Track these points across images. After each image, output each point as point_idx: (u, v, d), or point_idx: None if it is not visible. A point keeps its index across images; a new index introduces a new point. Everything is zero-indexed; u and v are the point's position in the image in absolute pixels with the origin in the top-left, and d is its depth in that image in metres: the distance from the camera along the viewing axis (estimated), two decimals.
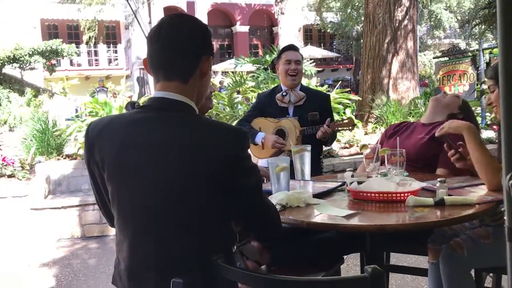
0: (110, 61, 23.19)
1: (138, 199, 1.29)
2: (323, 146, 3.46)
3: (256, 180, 1.37)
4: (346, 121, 3.10)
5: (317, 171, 3.07)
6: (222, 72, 19.36)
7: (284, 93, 3.32)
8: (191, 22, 1.39)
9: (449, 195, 1.78)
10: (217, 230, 1.33)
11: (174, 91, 1.33)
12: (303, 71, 3.51)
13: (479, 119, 8.28)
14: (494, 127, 7.56)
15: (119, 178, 1.30)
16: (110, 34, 22.62)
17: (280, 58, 3.35)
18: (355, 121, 7.70)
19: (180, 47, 1.34)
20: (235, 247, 1.51)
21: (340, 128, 3.12)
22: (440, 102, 2.63)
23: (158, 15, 20.56)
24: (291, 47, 3.42)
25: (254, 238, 1.51)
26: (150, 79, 19.53)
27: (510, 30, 1.15)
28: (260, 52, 22.56)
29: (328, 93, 3.85)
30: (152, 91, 17.37)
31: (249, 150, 1.38)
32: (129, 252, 1.33)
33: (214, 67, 19.62)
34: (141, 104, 1.46)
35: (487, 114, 8.35)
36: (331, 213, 1.72)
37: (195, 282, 1.25)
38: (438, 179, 1.83)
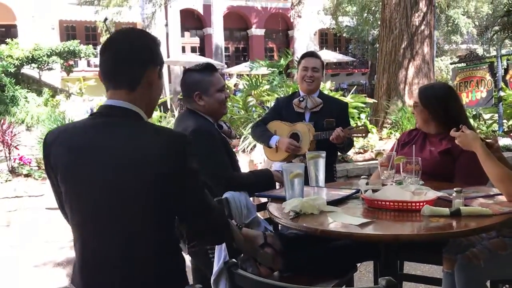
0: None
1: (86, 200, 1.38)
2: (338, 153, 3.44)
3: (197, 182, 1.44)
4: (361, 128, 3.10)
5: (329, 178, 3.06)
6: (237, 75, 19.41)
7: (301, 99, 3.34)
8: (139, 35, 1.51)
9: (465, 205, 1.76)
10: (162, 231, 1.40)
11: (121, 98, 1.43)
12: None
13: (495, 125, 8.18)
14: None
15: (70, 180, 1.41)
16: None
17: (300, 64, 3.40)
18: (370, 126, 7.69)
19: (125, 58, 1.43)
20: (186, 249, 1.56)
21: (354, 135, 3.11)
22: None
23: (174, 18, 20.73)
24: (310, 54, 3.45)
25: (199, 239, 1.58)
26: (166, 81, 19.67)
27: None
28: (275, 56, 22.57)
29: (346, 102, 3.83)
30: (167, 93, 17.49)
31: (194, 154, 1.43)
32: (81, 252, 1.42)
33: (229, 70, 19.69)
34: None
35: (504, 121, 8.24)
36: (345, 221, 1.71)
37: None
38: (455, 189, 1.80)
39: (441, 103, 2.48)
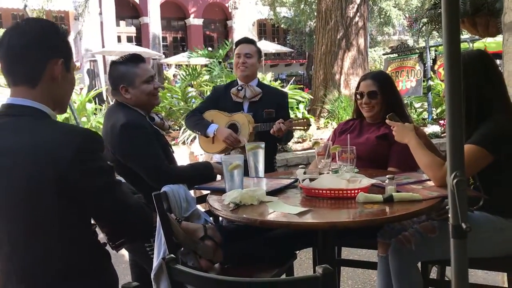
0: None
1: None
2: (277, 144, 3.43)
3: (105, 181, 1.36)
4: (302, 120, 3.04)
5: (270, 169, 3.05)
6: (176, 65, 19.09)
7: (240, 88, 3.22)
8: (35, 26, 1.39)
9: (397, 191, 1.84)
10: (73, 233, 1.34)
11: (22, 96, 1.34)
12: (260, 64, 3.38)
13: (425, 113, 8.59)
14: (441, 122, 7.86)
15: None
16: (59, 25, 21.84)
17: (235, 51, 3.31)
18: (308, 116, 7.84)
19: (20, 53, 1.34)
20: (112, 247, 1.52)
21: (295, 127, 3.05)
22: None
23: (109, 6, 20.03)
24: (243, 40, 3.35)
25: (124, 238, 1.53)
26: (101, 71, 19.02)
27: (454, 30, 1.20)
28: (215, 46, 22.41)
29: (286, 91, 3.79)
30: (103, 84, 16.93)
31: (96, 152, 1.36)
32: None
33: (168, 60, 19.33)
34: None
35: (433, 109, 8.68)
36: (284, 210, 1.73)
37: None
38: (387, 176, 1.88)
39: (394, 89, 2.56)
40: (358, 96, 2.62)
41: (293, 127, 3.04)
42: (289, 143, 6.76)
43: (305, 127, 3.07)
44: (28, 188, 1.26)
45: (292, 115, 5.62)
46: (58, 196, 1.27)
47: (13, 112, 1.33)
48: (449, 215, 1.15)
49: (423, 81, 8.32)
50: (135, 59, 2.34)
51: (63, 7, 19.19)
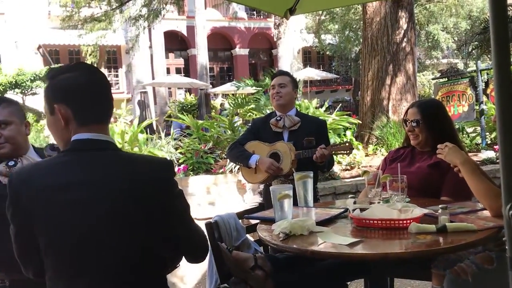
0: (111, 85, 23.31)
1: (77, 237, 1.33)
2: (319, 172, 3.35)
3: (186, 204, 1.49)
4: (345, 145, 3.03)
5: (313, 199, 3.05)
6: (223, 95, 19.47)
7: (278, 118, 3.27)
8: (99, 71, 1.57)
9: (451, 221, 1.80)
10: (153, 260, 1.42)
11: (99, 132, 1.44)
12: (297, 93, 3.42)
13: (478, 138, 8.31)
14: (495, 147, 7.58)
15: (57, 219, 1.33)
16: (111, 59, 22.83)
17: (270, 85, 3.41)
18: (356, 143, 7.76)
19: (104, 92, 1.50)
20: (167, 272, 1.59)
21: (338, 152, 3.05)
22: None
23: (158, 40, 20.82)
24: (278, 73, 3.44)
25: (187, 259, 1.59)
26: (151, 102, 19.63)
27: (503, 55, 1.19)
28: (260, 75, 22.73)
29: (325, 119, 3.79)
30: (153, 114, 17.46)
31: (174, 178, 1.47)
32: None
33: (215, 90, 19.76)
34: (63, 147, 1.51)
35: (487, 134, 8.38)
36: (334, 241, 1.73)
37: None
38: (440, 206, 1.84)
39: (441, 118, 2.53)
40: (405, 124, 2.61)
41: (336, 152, 3.03)
42: (337, 171, 6.70)
43: (348, 151, 3.05)
44: (118, 216, 1.34)
45: (339, 141, 5.55)
46: (148, 222, 1.37)
47: (96, 146, 1.42)
48: (506, 247, 1.13)
49: (476, 105, 8.08)
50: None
51: (116, 41, 20.13)
